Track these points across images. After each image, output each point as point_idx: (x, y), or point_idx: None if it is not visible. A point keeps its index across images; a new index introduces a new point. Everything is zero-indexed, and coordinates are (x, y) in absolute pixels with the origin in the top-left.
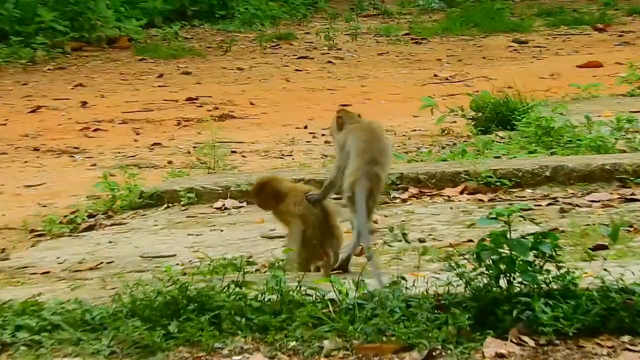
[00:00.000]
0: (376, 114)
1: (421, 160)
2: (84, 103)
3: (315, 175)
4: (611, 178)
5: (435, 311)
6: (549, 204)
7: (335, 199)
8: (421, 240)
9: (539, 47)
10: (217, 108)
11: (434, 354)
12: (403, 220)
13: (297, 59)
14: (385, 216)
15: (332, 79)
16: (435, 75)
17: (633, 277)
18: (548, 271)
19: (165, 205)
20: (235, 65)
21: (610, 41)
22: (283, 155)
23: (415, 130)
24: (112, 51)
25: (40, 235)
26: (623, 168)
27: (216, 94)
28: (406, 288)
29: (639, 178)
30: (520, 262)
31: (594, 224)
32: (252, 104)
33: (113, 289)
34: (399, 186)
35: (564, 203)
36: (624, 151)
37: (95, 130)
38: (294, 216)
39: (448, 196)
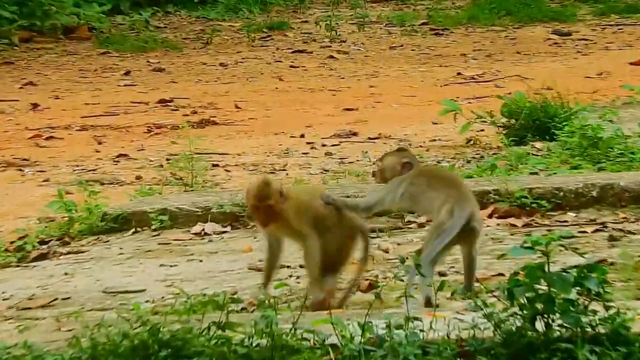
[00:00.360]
0: (387, 120)
1: None
2: (35, 105)
3: None
4: None
5: None
6: (596, 231)
7: None
8: (441, 274)
9: (584, 40)
10: (195, 112)
11: None
12: (419, 250)
13: (292, 53)
14: (398, 244)
15: (335, 78)
16: (459, 74)
17: None
18: (594, 312)
19: (133, 230)
20: (217, 60)
21: None
22: (275, 169)
23: (434, 140)
24: (69, 43)
25: None
26: None
27: (194, 95)
28: (422, 331)
29: None
30: (561, 301)
31: None
32: (237, 107)
33: (70, 330)
34: None
35: (614, 229)
36: None
37: (48, 138)
38: (307, 228)
39: None
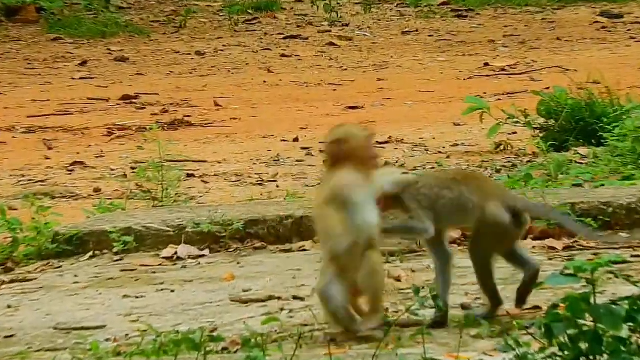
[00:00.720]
0: (399, 120)
1: None
2: None
3: (310, 211)
4: None
5: None
6: None
7: None
8: (465, 307)
9: (638, 23)
10: (166, 111)
11: None
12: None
13: (283, 39)
14: (413, 271)
15: (335, 70)
16: (487, 65)
17: None
18: None
19: (91, 254)
20: (192, 48)
21: None
22: (263, 180)
23: (456, 144)
24: (13, 26)
25: None
26: None
27: (165, 90)
28: None
29: None
30: (610, 340)
31: None
32: (217, 105)
33: None
34: None
35: None
36: None
37: None
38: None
39: None
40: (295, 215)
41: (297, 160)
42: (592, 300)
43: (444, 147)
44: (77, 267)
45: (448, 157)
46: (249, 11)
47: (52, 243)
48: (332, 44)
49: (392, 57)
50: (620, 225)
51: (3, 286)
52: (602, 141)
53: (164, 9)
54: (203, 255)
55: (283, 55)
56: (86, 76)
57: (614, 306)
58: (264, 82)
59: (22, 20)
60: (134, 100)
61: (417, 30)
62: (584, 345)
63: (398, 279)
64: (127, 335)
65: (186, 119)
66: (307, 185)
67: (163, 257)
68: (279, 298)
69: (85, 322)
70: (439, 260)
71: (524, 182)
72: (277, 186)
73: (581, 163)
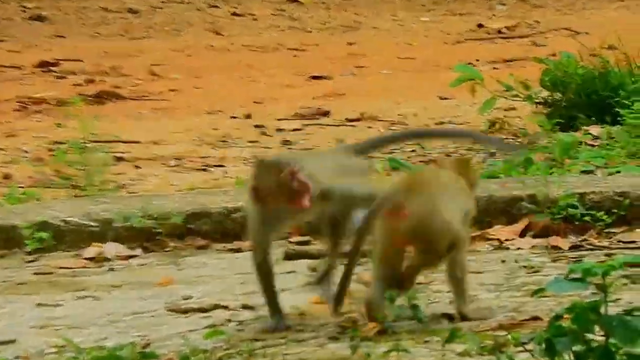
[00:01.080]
0: (374, 93)
1: None
2: None
3: None
4: None
5: None
6: None
7: None
8: (449, 317)
9: None
10: (91, 81)
11: None
12: (419, 283)
13: None
14: None
15: (297, 31)
16: (481, 26)
17: None
18: None
19: None
20: (124, 4)
21: None
22: (208, 165)
23: (442, 122)
24: None
25: None
26: None
27: (90, 56)
28: None
29: None
30: (624, 357)
31: None
32: (154, 74)
33: None
34: None
35: None
36: None
37: None
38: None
39: (499, 240)
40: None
41: (249, 141)
42: (602, 310)
43: (427, 125)
44: None
45: None
46: None
47: None
48: (293, 0)
49: (365, 16)
50: (639, 220)
51: None
52: (619, 119)
53: None
54: (134, 256)
55: (234, 14)
56: None
57: (628, 317)
58: (211, 46)
59: None
60: (52, 68)
61: None
62: None
63: (368, 285)
64: (41, 351)
65: (115, 90)
66: None
67: (86, 258)
68: (225, 307)
69: None
70: None
71: (523, 168)
72: (225, 172)
73: (593, 145)
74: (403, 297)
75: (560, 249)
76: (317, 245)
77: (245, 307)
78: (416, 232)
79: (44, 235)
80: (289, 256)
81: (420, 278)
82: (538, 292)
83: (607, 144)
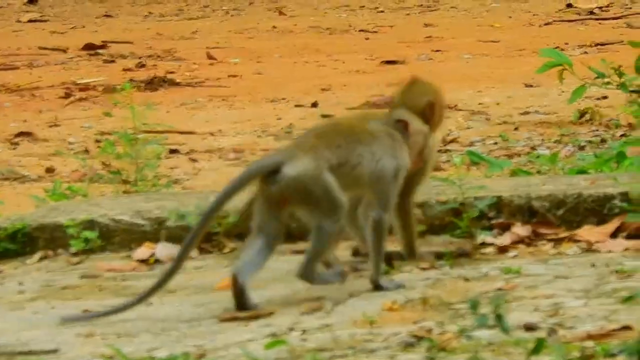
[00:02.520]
0: (453, 79)
1: (538, 172)
2: None
3: None
4: None
5: None
6: None
7: None
8: (531, 328)
9: None
10: (143, 65)
11: None
12: (499, 289)
13: None
14: (466, 280)
15: (369, 11)
16: (570, 6)
17: None
18: None
19: (41, 254)
20: None
21: None
22: None
23: (527, 112)
24: None
25: None
26: None
27: (142, 38)
28: None
29: None
30: None
31: None
32: (211, 58)
33: None
34: (492, 222)
35: None
36: None
37: None
38: None
39: (588, 242)
40: None
41: None
42: None
43: (511, 115)
44: (23, 272)
45: (516, 128)
46: None
47: None
48: None
49: None
50: None
51: None
52: None
53: None
54: (190, 258)
55: None
56: (36, 18)
57: None
58: (273, 27)
59: None
60: (99, 51)
61: None
62: None
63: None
64: None
65: (169, 76)
66: None
67: (137, 260)
68: (288, 314)
69: (33, 345)
70: None
71: (615, 163)
72: None
73: None
74: (491, 301)
75: None
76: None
77: (310, 313)
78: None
79: (90, 235)
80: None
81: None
82: (630, 299)
83: None
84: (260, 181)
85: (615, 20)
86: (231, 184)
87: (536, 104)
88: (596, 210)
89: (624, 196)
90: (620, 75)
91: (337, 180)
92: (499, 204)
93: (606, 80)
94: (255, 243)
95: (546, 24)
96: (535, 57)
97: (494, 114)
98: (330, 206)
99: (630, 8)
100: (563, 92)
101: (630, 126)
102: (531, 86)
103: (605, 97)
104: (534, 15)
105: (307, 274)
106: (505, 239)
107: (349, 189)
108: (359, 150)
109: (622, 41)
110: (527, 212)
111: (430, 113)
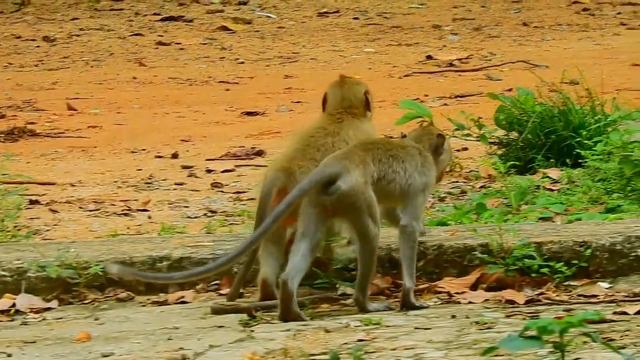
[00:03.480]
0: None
1: None
2: None
3: (195, 253)
4: None
5: None
6: None
7: None
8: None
9: (631, 4)
10: (2, 116)
11: None
12: (360, 340)
13: (160, 21)
14: (327, 331)
15: (229, 63)
16: (430, 58)
17: None
18: None
19: None
20: (39, 32)
21: None
22: (130, 209)
23: None
24: None
25: None
26: None
27: (1, 88)
28: None
29: None
30: None
31: None
32: (71, 108)
33: None
34: (353, 273)
35: None
36: None
37: None
38: None
39: (449, 293)
40: (173, 255)
41: (176, 183)
42: None
43: None
44: None
45: None
46: None
47: None
48: (224, 28)
49: (304, 46)
50: (602, 272)
51: None
52: (580, 161)
53: None
54: (50, 309)
55: (160, 43)
56: None
57: None
58: (134, 78)
59: None
60: None
61: (337, 11)
62: None
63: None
64: None
65: (29, 127)
66: (188, 217)
67: None
68: None
69: None
70: None
71: (475, 214)
72: (149, 217)
73: (551, 190)
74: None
75: (515, 303)
76: (249, 298)
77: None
78: None
79: None
80: (217, 311)
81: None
82: (490, 351)
83: (568, 189)
84: (315, 191)
85: (474, 72)
86: (296, 191)
87: None
88: (456, 261)
89: (484, 247)
90: (480, 126)
91: (374, 194)
92: None
93: (466, 131)
94: (300, 249)
95: (406, 76)
96: (396, 108)
97: None
98: (371, 221)
99: (490, 60)
100: None
101: (490, 177)
102: (391, 137)
103: (465, 149)
104: (393, 66)
105: (361, 297)
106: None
107: (381, 202)
108: (394, 167)
109: (482, 93)
110: (388, 264)
111: (368, 101)
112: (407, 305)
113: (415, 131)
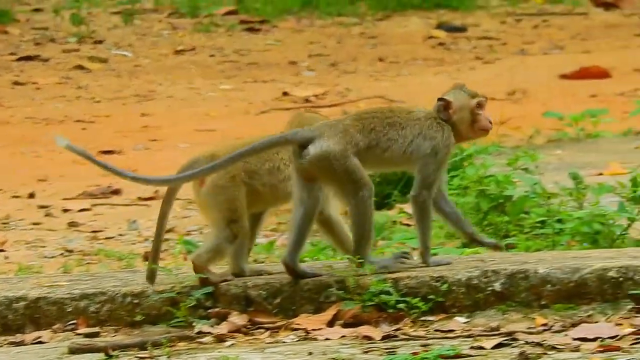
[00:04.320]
0: (168, 168)
1: (254, 261)
2: None
3: (52, 293)
4: (619, 295)
5: None
6: (497, 346)
7: None
8: None
9: (486, 38)
10: None
11: None
12: None
13: (16, 61)
14: None
15: (85, 101)
16: (286, 94)
17: None
18: None
19: None
20: None
21: (627, 27)
22: None
23: None
24: None
25: None
26: None
27: None
28: None
29: None
30: None
31: None
32: None
33: None
34: (209, 311)
35: (526, 343)
36: None
37: None
38: None
39: (305, 330)
40: (30, 296)
41: (32, 223)
42: None
43: None
44: None
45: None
46: None
47: None
48: (80, 67)
49: (160, 84)
50: (458, 307)
51: None
52: None
53: None
54: None
55: (16, 83)
56: None
57: None
58: None
59: None
60: None
61: (194, 49)
62: None
63: None
64: None
65: None
66: (45, 256)
67: None
68: None
69: None
70: None
71: (332, 251)
72: (6, 257)
73: (408, 225)
74: None
75: (372, 339)
76: (105, 337)
77: None
78: None
79: None
80: (74, 350)
81: None
82: None
83: None
84: (293, 155)
85: (330, 108)
86: (265, 141)
87: None
88: (313, 298)
89: (340, 284)
90: None
91: (368, 161)
92: (215, 293)
93: None
94: (295, 219)
95: (263, 112)
96: None
97: None
98: (354, 186)
99: (346, 96)
100: None
101: (346, 213)
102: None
103: None
104: (250, 103)
105: (360, 254)
106: (222, 328)
107: (383, 168)
108: (390, 134)
109: None
110: (244, 301)
111: None
112: (426, 263)
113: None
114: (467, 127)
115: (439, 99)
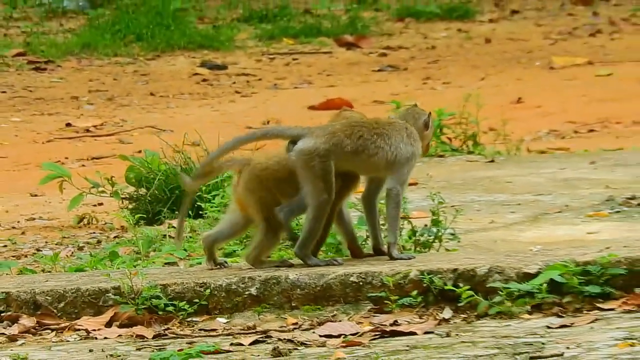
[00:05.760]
0: None
1: (42, 271)
2: None
3: None
4: (360, 297)
5: None
6: (254, 342)
7: None
8: None
9: (244, 74)
10: None
11: None
12: None
13: None
14: None
15: None
16: (69, 125)
17: None
18: None
19: None
20: None
21: (367, 64)
22: None
23: (32, 218)
24: None
25: None
26: (379, 280)
27: None
28: None
29: (404, 297)
30: None
31: None
32: None
33: None
34: (2, 315)
35: (279, 340)
36: None
37: None
38: None
39: (87, 330)
40: None
41: None
42: None
43: (18, 222)
44: None
45: (23, 233)
46: None
47: None
48: None
49: None
50: (220, 309)
51: None
52: (201, 212)
53: None
54: None
55: None
56: None
57: None
58: None
59: None
60: None
61: None
62: None
63: None
64: None
65: None
66: None
67: None
68: None
69: None
70: None
71: (109, 262)
72: None
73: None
74: None
75: (145, 337)
76: None
77: None
78: None
79: None
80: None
81: None
82: None
83: (190, 237)
84: (286, 149)
85: (108, 137)
86: (264, 131)
87: (40, 211)
88: (92, 302)
89: (117, 290)
90: (113, 184)
91: (351, 163)
92: (7, 299)
93: (101, 189)
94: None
95: (48, 141)
96: (39, 170)
97: (4, 220)
98: (322, 187)
99: (122, 126)
100: (64, 200)
101: (123, 229)
102: (36, 195)
103: (101, 204)
104: (37, 133)
105: (301, 252)
106: (13, 330)
107: (367, 172)
108: (378, 142)
109: (115, 155)
110: (33, 306)
111: None
112: (391, 257)
113: (403, 111)
114: (427, 143)
115: (430, 114)
